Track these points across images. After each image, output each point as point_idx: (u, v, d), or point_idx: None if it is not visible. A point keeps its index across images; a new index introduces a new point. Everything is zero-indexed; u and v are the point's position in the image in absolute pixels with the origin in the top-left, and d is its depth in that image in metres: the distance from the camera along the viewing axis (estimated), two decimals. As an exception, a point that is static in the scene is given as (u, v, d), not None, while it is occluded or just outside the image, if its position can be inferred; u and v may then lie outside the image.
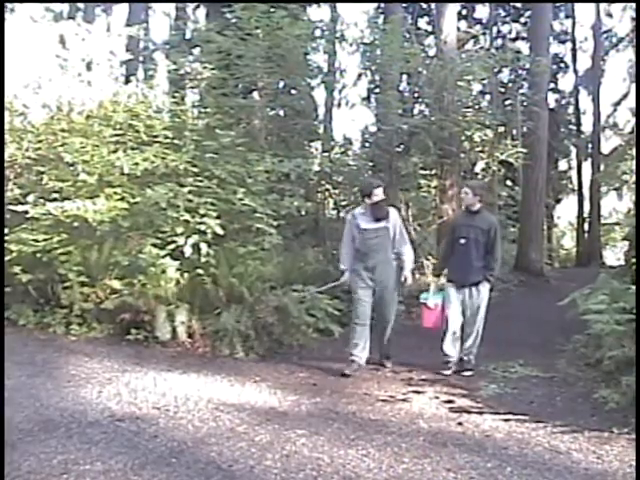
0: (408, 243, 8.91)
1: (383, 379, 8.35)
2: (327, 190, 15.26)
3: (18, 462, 5.15)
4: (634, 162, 22.03)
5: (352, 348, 8.67)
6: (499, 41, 32.49)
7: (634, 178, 22.62)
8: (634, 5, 20.83)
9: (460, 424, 6.56)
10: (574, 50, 35.18)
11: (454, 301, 8.74)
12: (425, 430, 6.29)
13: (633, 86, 33.06)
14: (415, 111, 19.15)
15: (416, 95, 18.92)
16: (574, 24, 34.78)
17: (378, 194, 8.62)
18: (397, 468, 5.23)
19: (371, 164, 16.44)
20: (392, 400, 7.37)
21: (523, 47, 28.90)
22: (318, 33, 17.59)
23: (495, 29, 33.32)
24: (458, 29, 21.17)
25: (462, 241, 8.66)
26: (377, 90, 19.38)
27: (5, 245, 10.50)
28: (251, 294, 9.79)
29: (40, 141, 11.70)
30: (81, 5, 28.26)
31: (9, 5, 29.56)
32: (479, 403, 7.35)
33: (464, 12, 31.52)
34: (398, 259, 8.82)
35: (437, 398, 7.48)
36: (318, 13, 22.72)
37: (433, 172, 18.07)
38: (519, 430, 6.37)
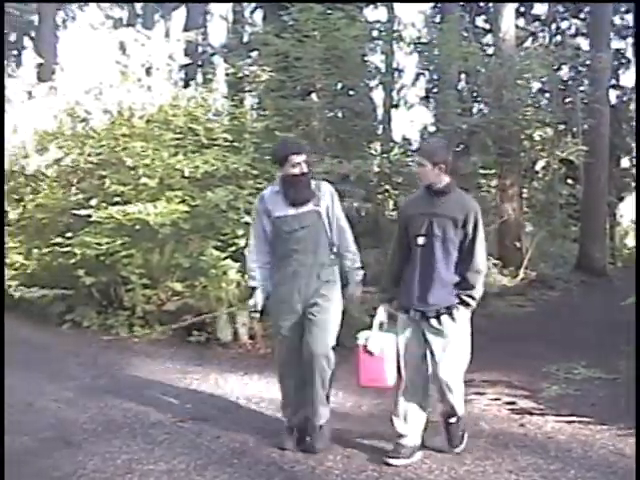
0: (350, 237, 5.87)
1: (444, 380, 8.28)
2: (387, 191, 15.21)
3: (83, 461, 5.26)
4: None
5: (283, 410, 5.98)
6: (558, 38, 32.00)
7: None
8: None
9: (522, 426, 6.49)
10: (636, 45, 34.57)
11: (410, 342, 5.43)
12: (487, 432, 6.24)
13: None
14: (474, 110, 19.04)
15: (475, 94, 18.83)
16: (636, 18, 34.14)
17: (298, 162, 5.54)
18: (459, 470, 5.20)
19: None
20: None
21: (583, 43, 28.51)
22: (375, 34, 17.59)
23: (554, 26, 32.86)
24: (516, 26, 21.01)
25: (420, 241, 5.33)
26: (435, 90, 19.36)
27: (69, 248, 10.68)
28: (312, 295, 9.80)
29: (102, 146, 11.83)
30: (140, 11, 28.66)
31: (70, 13, 30.22)
32: (541, 404, 7.26)
33: (522, 9, 31.18)
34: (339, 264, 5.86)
35: (498, 399, 7.39)
36: (375, 14, 22.86)
37: (493, 171, 17.94)
38: (582, 432, 6.27)
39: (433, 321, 5.25)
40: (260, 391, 7.49)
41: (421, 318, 5.31)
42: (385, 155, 14.95)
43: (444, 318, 5.24)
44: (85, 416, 6.50)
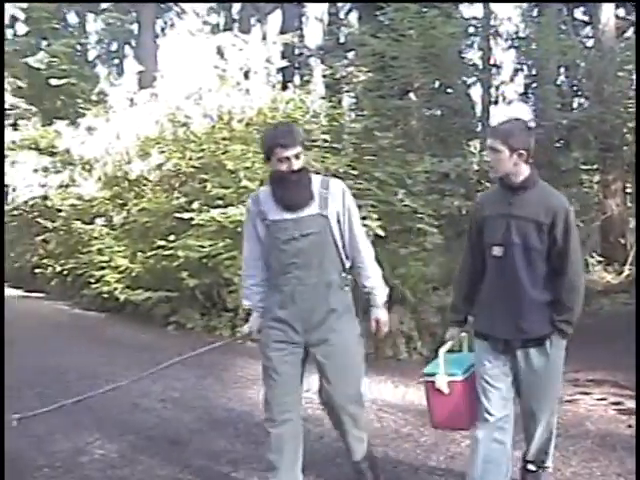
0: (369, 249, 4.59)
1: (550, 379, 8.13)
2: (487, 189, 15.08)
3: (189, 460, 5.38)
4: None
5: (270, 473, 4.47)
6: (661, 27, 31.19)
7: None
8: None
9: (630, 427, 6.30)
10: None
11: (488, 376, 4.26)
12: (593, 433, 6.10)
13: None
14: (574, 105, 18.74)
15: (575, 88, 18.51)
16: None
17: (285, 157, 4.32)
18: (565, 471, 5.09)
19: (530, 161, 16.17)
20: (558, 401, 7.18)
21: (688, 32, 27.73)
22: (472, 30, 17.46)
23: (657, 14, 32.05)
24: (616, 17, 20.53)
25: (496, 252, 4.21)
26: (534, 85, 19.09)
27: (172, 252, 10.87)
28: (414, 295, 9.73)
29: (203, 150, 12.02)
30: (236, 16, 29.00)
31: (168, 21, 30.79)
32: (650, 405, 7.08)
33: (622, -1, 30.47)
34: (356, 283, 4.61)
35: (605, 399, 7.22)
36: (471, 10, 22.55)
37: (595, 167, 17.61)
38: (694, 433, 6.09)
39: (519, 353, 4.20)
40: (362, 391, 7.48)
41: (505, 348, 4.23)
42: (485, 153, 14.78)
43: (533, 352, 4.18)
44: (190, 416, 6.61)
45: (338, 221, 4.42)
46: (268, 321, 4.46)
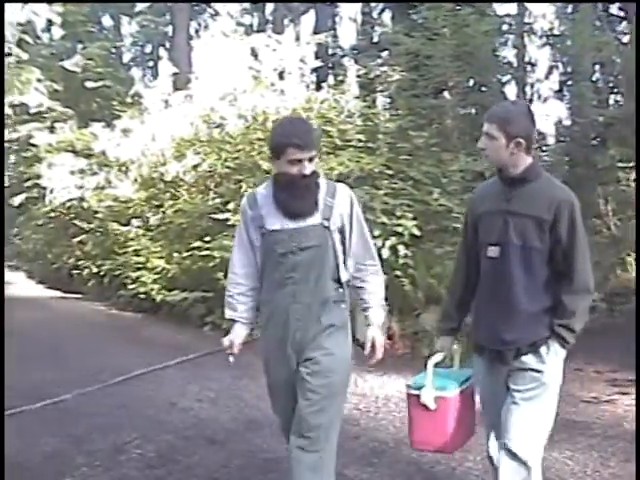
0: (375, 260, 4.09)
1: (587, 380, 8.04)
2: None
3: (227, 459, 5.41)
4: None
5: None
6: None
7: None
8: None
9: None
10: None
11: (487, 395, 3.95)
12: (631, 433, 6.00)
13: None
14: (610, 101, 18.57)
15: (611, 85, 18.35)
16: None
17: (298, 159, 3.72)
18: (603, 472, 5.05)
19: (567, 159, 16.04)
20: (596, 401, 7.12)
21: None
22: (506, 28, 17.36)
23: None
24: (653, 12, 20.38)
25: (492, 252, 3.71)
26: (570, 82, 18.95)
27: (208, 252, 10.92)
28: (450, 295, 9.68)
29: (238, 150, 12.06)
30: (270, 17, 29.08)
31: (202, 23, 30.94)
32: (689, 404, 6.99)
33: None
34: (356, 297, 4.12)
35: (644, 399, 7.17)
36: (505, 7, 22.40)
37: (632, 164, 17.43)
38: None
39: (514, 364, 3.66)
40: (399, 391, 7.45)
41: (498, 360, 3.73)
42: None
43: (528, 358, 3.63)
44: (226, 415, 6.66)
45: (341, 232, 3.93)
46: (264, 338, 4.04)
